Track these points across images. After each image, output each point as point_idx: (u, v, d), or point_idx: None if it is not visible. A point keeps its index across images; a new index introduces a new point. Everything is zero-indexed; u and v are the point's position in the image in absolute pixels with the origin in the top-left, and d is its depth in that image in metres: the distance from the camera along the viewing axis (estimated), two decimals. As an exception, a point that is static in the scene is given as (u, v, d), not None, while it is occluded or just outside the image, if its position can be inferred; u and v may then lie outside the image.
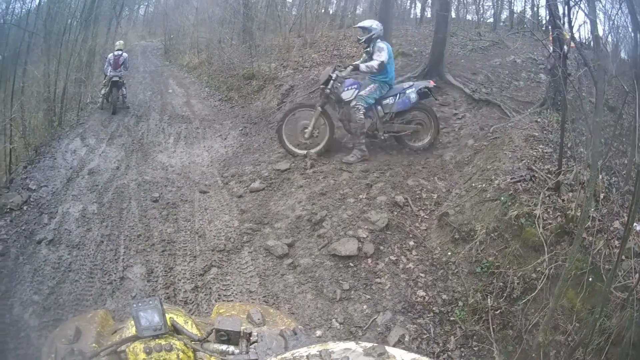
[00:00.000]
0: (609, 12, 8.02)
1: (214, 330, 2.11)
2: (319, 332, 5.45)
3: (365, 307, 5.80)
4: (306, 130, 9.26)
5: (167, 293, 6.05)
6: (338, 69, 9.15)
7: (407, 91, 9.05)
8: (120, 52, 14.09)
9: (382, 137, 9.22)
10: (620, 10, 7.15)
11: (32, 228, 7.54)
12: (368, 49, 9.15)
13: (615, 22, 8.37)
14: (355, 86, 9.03)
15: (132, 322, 2.07)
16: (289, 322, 2.67)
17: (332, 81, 9.03)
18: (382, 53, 8.77)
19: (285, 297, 5.96)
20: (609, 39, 8.89)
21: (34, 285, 6.34)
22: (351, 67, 9.01)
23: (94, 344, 2.30)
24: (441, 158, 8.51)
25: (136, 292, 6.14)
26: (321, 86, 9.33)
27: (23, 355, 5.38)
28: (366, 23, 9.33)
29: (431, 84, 9.29)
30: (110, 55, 14.17)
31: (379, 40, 8.98)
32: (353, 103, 8.90)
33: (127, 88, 14.54)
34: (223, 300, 5.87)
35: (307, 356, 1.24)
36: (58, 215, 7.92)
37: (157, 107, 14.80)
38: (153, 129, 12.53)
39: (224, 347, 2.05)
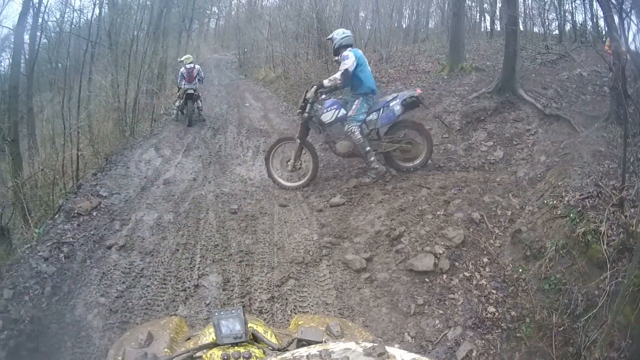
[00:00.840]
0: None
1: (295, 340, 2.13)
2: (396, 346, 5.34)
3: (437, 322, 5.83)
4: (289, 163, 9.27)
5: (243, 302, 6.13)
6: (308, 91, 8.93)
7: (391, 104, 8.78)
8: (192, 65, 14.28)
9: None
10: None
11: (101, 233, 7.73)
12: (337, 58, 8.99)
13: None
14: (335, 106, 8.85)
15: (210, 329, 2.15)
16: (367, 335, 2.67)
17: (308, 104, 8.87)
18: (346, 61, 8.50)
19: (361, 310, 6.00)
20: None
21: (100, 288, 6.52)
22: (315, 86, 8.83)
23: (166, 349, 2.34)
24: (515, 175, 8.43)
25: (210, 299, 6.25)
26: (298, 111, 9.25)
27: (80, 353, 5.53)
28: (332, 34, 9.20)
29: (417, 92, 9.01)
30: (183, 69, 14.38)
31: (348, 49, 8.73)
32: (346, 128, 8.72)
33: (203, 101, 14.69)
34: (300, 312, 5.94)
35: (307, 356, 1.28)
36: (131, 222, 8.11)
37: (234, 120, 14.95)
38: (231, 142, 12.68)
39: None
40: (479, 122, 10.41)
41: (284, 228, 7.78)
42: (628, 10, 6.60)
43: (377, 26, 17.90)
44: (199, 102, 14.42)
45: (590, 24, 17.64)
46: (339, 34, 9.01)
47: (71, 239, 7.57)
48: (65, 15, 18.59)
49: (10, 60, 14.88)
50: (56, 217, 8.27)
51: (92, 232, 7.76)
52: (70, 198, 8.89)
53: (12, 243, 8.66)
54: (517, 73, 11.28)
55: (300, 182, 9.31)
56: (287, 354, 1.39)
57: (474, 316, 5.88)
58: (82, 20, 18.20)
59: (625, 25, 7.04)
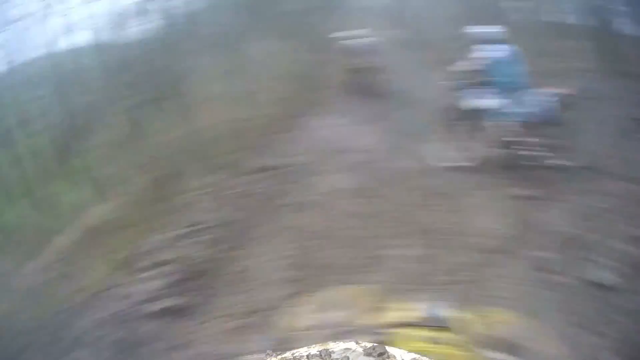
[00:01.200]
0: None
1: (493, 338, 2.11)
2: None
3: None
4: None
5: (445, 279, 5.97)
6: None
7: None
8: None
9: None
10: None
11: (284, 189, 8.22)
12: None
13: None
14: None
15: (409, 305, 2.13)
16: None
17: None
18: None
19: None
20: None
21: (280, 248, 6.84)
22: None
23: (360, 318, 2.35)
24: None
25: (403, 272, 6.14)
26: None
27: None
28: None
29: None
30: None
31: None
32: None
33: None
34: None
35: (308, 356, 1.32)
36: (313, 185, 8.44)
37: None
38: None
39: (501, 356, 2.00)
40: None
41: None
42: None
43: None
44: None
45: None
46: None
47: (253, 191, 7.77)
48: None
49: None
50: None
51: (273, 189, 8.05)
52: (252, 156, 9.11)
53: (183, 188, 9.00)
54: None
55: None
56: (288, 354, 1.43)
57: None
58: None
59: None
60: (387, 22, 17.81)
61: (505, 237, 6.99)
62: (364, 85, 13.58)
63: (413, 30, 18.41)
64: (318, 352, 1.33)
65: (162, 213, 8.47)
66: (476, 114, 9.08)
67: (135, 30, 14.77)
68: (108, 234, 8.17)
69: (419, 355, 1.30)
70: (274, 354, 1.60)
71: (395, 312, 2.23)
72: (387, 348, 1.28)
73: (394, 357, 1.26)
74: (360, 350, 1.28)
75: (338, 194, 8.05)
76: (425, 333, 2.05)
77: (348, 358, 1.26)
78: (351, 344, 1.33)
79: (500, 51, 8.81)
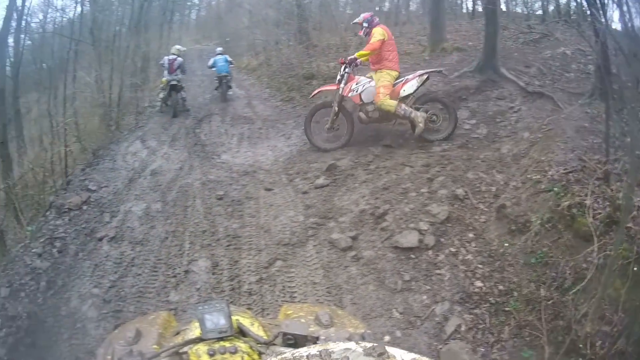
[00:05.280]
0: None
1: (280, 334, 2.12)
2: (387, 337, 5.47)
3: (424, 297, 5.89)
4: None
5: (232, 285, 6.22)
6: None
7: None
8: (174, 57, 14.14)
9: None
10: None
11: (92, 226, 7.81)
12: None
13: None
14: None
15: (196, 324, 2.11)
16: (357, 324, 2.62)
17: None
18: None
19: (348, 288, 6.07)
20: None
21: (93, 279, 6.65)
22: None
23: (154, 346, 2.32)
24: (499, 151, 8.42)
25: (200, 284, 6.33)
26: None
27: (77, 345, 5.64)
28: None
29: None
30: (165, 59, 14.25)
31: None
32: None
33: (187, 91, 14.56)
34: (288, 292, 6.02)
35: (307, 356, 1.27)
36: (120, 213, 8.19)
37: (218, 109, 14.77)
38: (215, 131, 12.64)
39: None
40: (462, 101, 10.45)
41: (270, 211, 7.84)
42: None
43: (358, 11, 17.87)
44: (183, 93, 14.23)
45: (575, 3, 17.57)
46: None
47: (63, 234, 7.63)
48: (48, 16, 18.52)
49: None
50: (47, 213, 8.30)
51: (82, 226, 7.84)
52: (61, 194, 8.93)
53: (6, 244, 8.69)
54: (498, 52, 11.30)
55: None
56: (287, 354, 1.36)
57: (461, 291, 5.92)
58: (64, 19, 18.07)
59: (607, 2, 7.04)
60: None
61: (307, 226, 7.26)
62: (175, 101, 13.73)
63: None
64: (318, 352, 1.27)
65: None
66: None
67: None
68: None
69: (418, 356, 1.28)
70: (274, 355, 1.55)
71: (192, 331, 2.07)
72: (387, 348, 1.25)
73: (394, 357, 1.23)
74: (360, 350, 1.24)
75: (148, 218, 8.03)
76: (216, 345, 1.92)
77: (348, 358, 1.22)
78: (351, 344, 1.29)
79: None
